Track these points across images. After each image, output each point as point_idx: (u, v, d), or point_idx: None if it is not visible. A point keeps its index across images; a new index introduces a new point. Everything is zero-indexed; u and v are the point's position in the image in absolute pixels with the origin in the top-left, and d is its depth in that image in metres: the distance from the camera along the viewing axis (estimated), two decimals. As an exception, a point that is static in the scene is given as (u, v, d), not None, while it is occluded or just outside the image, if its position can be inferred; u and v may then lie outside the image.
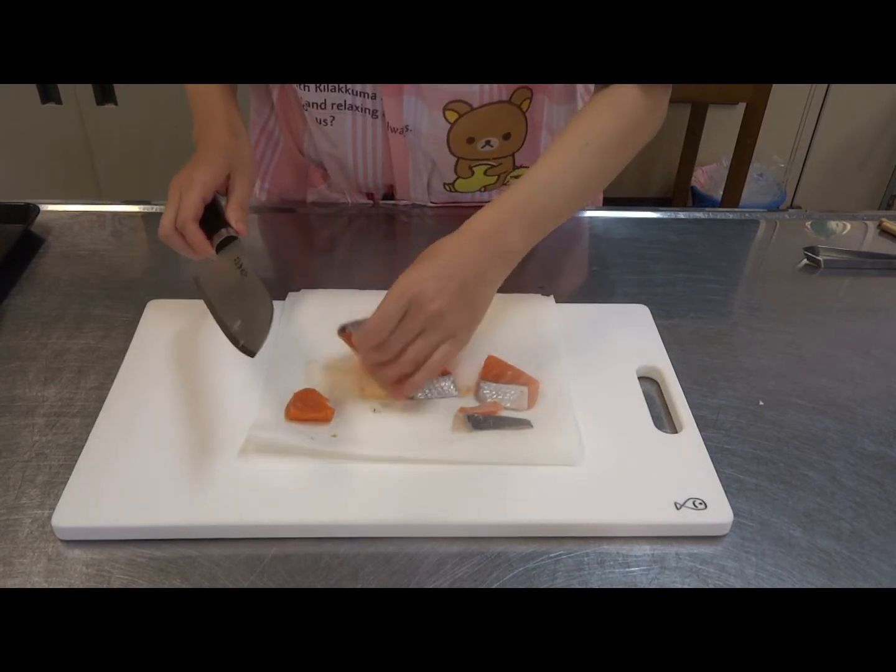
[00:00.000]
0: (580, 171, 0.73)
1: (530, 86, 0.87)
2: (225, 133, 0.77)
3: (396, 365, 0.65)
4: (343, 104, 0.87)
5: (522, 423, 0.65)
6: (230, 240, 0.71)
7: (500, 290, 0.80)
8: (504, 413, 0.66)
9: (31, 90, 1.96)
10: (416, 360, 0.64)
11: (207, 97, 0.80)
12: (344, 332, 0.68)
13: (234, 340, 0.65)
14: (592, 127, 0.74)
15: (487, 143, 0.90)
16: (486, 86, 0.84)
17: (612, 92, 0.76)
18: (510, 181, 0.97)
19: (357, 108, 0.87)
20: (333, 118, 0.88)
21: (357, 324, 0.67)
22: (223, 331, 0.65)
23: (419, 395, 0.68)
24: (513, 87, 0.86)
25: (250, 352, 0.64)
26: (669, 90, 0.79)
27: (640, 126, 0.77)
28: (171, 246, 0.71)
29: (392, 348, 0.64)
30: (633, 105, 0.75)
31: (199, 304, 0.79)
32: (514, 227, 0.69)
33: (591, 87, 0.98)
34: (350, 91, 0.86)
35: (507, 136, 0.90)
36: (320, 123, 0.89)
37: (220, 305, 0.67)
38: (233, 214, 0.72)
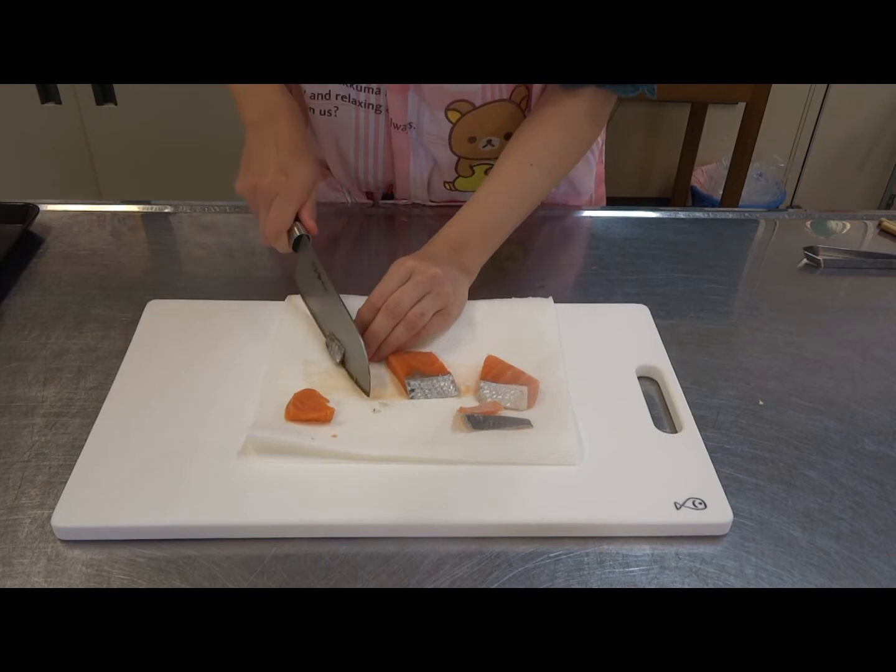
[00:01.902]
0: (527, 189, 0.81)
1: (527, 85, 0.87)
2: (301, 132, 0.80)
3: (403, 323, 0.69)
4: (347, 97, 0.87)
5: (522, 423, 0.65)
6: (301, 238, 0.76)
7: (501, 291, 0.81)
8: (504, 413, 0.66)
9: (30, 90, 1.96)
10: (423, 314, 0.70)
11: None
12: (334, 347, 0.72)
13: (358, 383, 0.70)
14: (538, 144, 0.81)
15: (489, 142, 0.90)
16: (488, 85, 0.84)
17: (556, 103, 0.81)
18: None
19: (360, 103, 0.87)
20: (337, 109, 0.88)
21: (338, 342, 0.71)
22: (332, 354, 0.72)
23: (419, 395, 0.68)
24: (512, 85, 0.86)
25: (366, 392, 0.68)
26: (614, 99, 0.84)
27: (582, 140, 0.84)
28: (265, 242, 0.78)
29: (402, 303, 0.69)
30: (580, 119, 0.81)
31: (200, 304, 0.79)
32: (471, 246, 0.77)
33: None
34: (354, 86, 0.86)
35: (508, 136, 0.90)
36: (323, 115, 0.89)
37: (324, 323, 0.75)
38: (307, 213, 0.77)
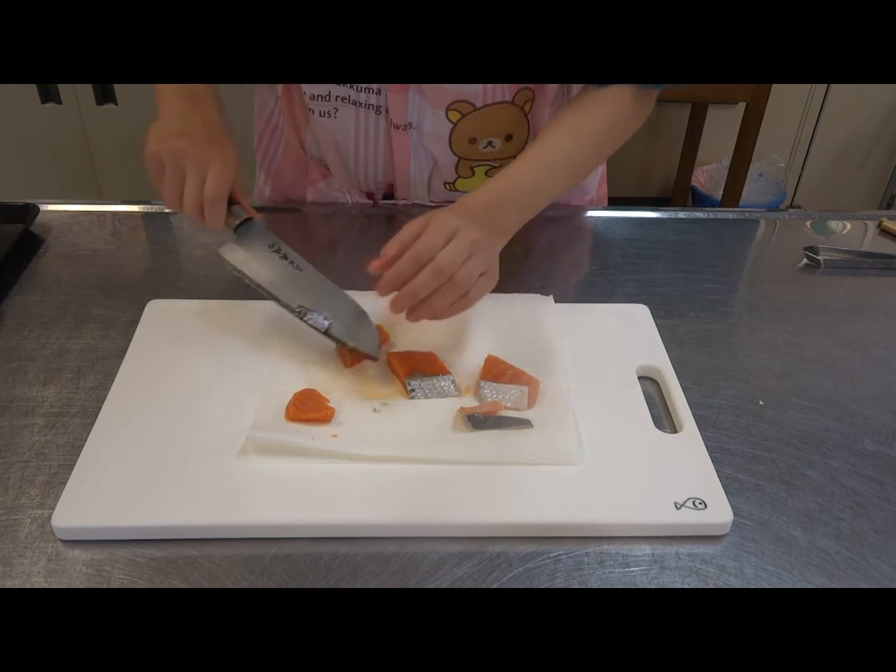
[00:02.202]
0: (569, 158, 0.77)
1: (532, 88, 0.87)
2: (225, 121, 0.77)
3: (449, 284, 0.65)
4: (347, 98, 0.87)
5: (523, 423, 0.65)
6: (249, 221, 0.73)
7: (500, 290, 0.81)
8: (504, 413, 0.66)
9: (31, 90, 1.96)
10: (472, 274, 0.65)
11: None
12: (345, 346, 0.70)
13: (354, 349, 0.69)
14: (584, 117, 0.78)
15: (489, 143, 0.90)
16: (490, 86, 0.84)
17: (601, 88, 0.78)
18: None
19: (360, 104, 0.87)
20: (337, 110, 0.88)
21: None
22: (331, 337, 0.69)
23: (419, 395, 0.68)
24: (515, 88, 0.86)
25: (374, 358, 0.69)
26: (655, 93, 0.82)
27: (627, 120, 0.80)
28: (192, 220, 0.72)
29: (451, 262, 0.64)
30: (623, 99, 0.78)
31: (200, 304, 0.79)
32: (510, 205, 0.72)
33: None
34: (354, 87, 0.86)
35: (509, 138, 0.90)
36: (323, 116, 0.89)
37: (341, 332, 0.70)
38: (243, 200, 0.74)
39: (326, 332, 0.69)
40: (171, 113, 0.75)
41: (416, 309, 0.66)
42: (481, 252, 0.66)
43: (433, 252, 0.64)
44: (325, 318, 0.68)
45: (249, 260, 0.73)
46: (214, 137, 0.73)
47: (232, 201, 0.73)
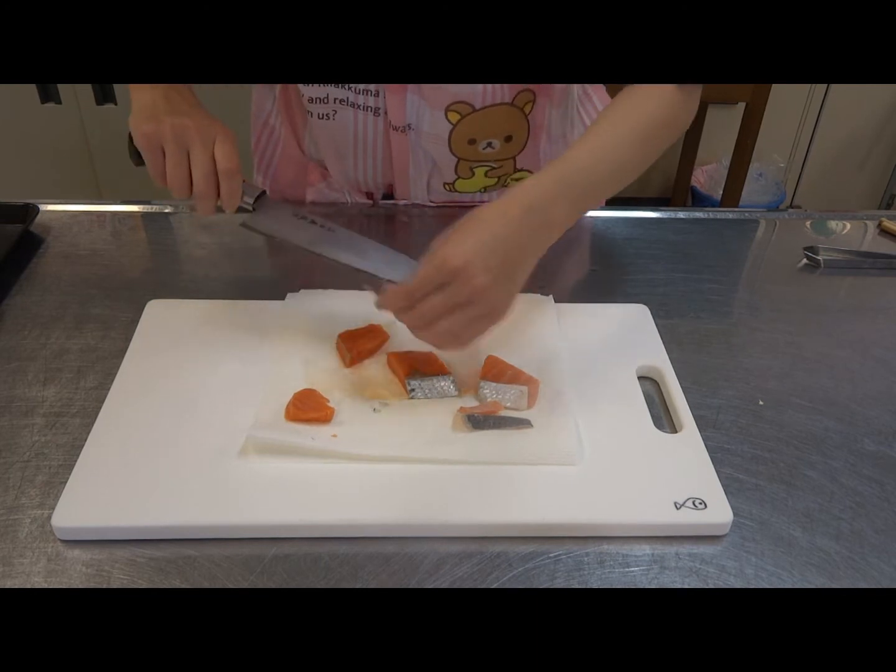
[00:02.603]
0: (619, 155, 0.72)
1: (533, 89, 0.87)
2: (193, 94, 0.76)
3: (429, 332, 0.63)
4: (346, 100, 0.87)
5: (523, 423, 0.65)
6: (262, 195, 0.73)
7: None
8: (504, 413, 0.66)
9: (30, 90, 1.95)
10: (451, 331, 0.63)
11: None
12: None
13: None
14: (634, 113, 0.74)
15: (489, 144, 0.90)
16: (489, 88, 0.84)
17: (644, 86, 0.75)
18: (510, 184, 0.97)
19: (359, 106, 0.87)
20: (335, 112, 0.88)
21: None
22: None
23: (419, 395, 0.68)
24: (515, 89, 0.86)
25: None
26: (699, 90, 0.78)
27: (676, 118, 0.76)
28: (204, 201, 0.70)
29: (426, 316, 0.62)
30: (671, 97, 0.75)
31: (199, 304, 0.79)
32: (559, 201, 0.67)
33: (590, 91, 0.98)
34: (353, 89, 0.86)
35: (508, 139, 0.90)
36: (321, 118, 0.89)
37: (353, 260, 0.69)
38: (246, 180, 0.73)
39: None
40: (151, 97, 0.73)
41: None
42: (481, 299, 0.61)
43: (411, 301, 0.63)
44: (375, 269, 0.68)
45: (280, 226, 0.72)
46: (204, 113, 0.72)
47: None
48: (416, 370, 0.69)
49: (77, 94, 1.96)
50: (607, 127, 0.73)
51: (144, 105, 0.73)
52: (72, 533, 0.57)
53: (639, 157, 0.74)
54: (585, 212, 0.72)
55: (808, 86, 2.29)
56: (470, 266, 0.60)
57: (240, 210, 0.72)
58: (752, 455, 0.66)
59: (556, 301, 0.81)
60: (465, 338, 0.64)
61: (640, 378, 0.72)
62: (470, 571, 0.56)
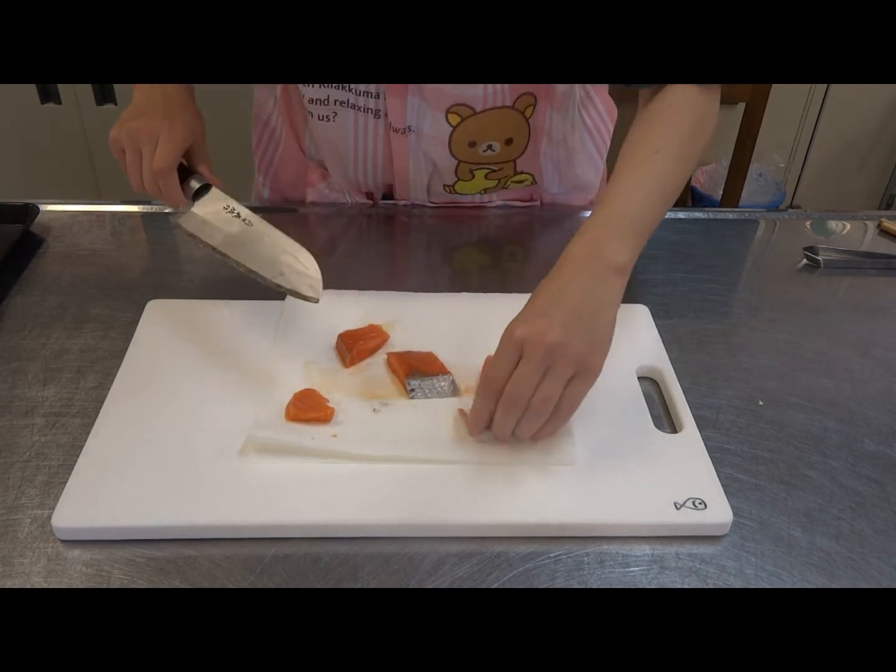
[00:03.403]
0: (657, 177, 0.70)
1: (534, 92, 0.87)
2: (180, 89, 0.80)
3: (529, 412, 0.59)
4: (346, 102, 0.87)
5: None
6: (206, 188, 0.75)
7: (501, 290, 0.81)
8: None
9: (30, 90, 1.95)
10: (548, 398, 0.59)
11: None
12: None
13: (296, 294, 0.69)
14: (659, 133, 0.73)
15: (489, 147, 0.90)
16: (490, 90, 0.84)
17: (669, 94, 0.74)
18: (510, 185, 0.97)
19: (359, 107, 0.87)
20: (336, 114, 0.88)
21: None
22: (279, 289, 0.70)
23: (419, 395, 0.68)
24: (516, 93, 0.86)
25: (315, 300, 0.69)
26: (718, 92, 0.78)
27: (702, 124, 0.76)
28: (151, 194, 0.76)
29: (521, 393, 0.58)
30: (693, 104, 0.74)
31: (200, 304, 0.79)
32: (612, 241, 0.65)
33: (591, 93, 0.98)
34: (353, 91, 0.86)
35: (509, 142, 0.90)
36: (322, 120, 0.89)
37: (258, 266, 0.71)
38: (205, 168, 0.77)
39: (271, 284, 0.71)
40: (138, 96, 0.79)
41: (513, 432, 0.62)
42: (560, 358, 0.58)
43: (500, 384, 0.59)
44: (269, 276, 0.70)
45: (204, 224, 0.75)
46: (170, 111, 0.76)
47: (192, 171, 0.76)
48: (416, 370, 0.69)
49: (77, 94, 1.96)
50: (639, 153, 0.71)
51: (131, 106, 0.78)
52: (72, 533, 0.57)
53: (679, 174, 0.73)
54: (644, 243, 0.68)
55: (808, 86, 2.29)
56: (534, 328, 0.59)
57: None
58: (752, 455, 0.66)
59: (556, 301, 0.80)
60: (565, 408, 0.60)
61: (640, 378, 0.72)
62: (470, 571, 0.56)
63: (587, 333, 0.60)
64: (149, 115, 0.76)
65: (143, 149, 0.74)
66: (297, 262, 0.71)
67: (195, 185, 0.76)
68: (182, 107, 0.79)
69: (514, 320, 0.61)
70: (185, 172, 0.77)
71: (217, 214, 0.75)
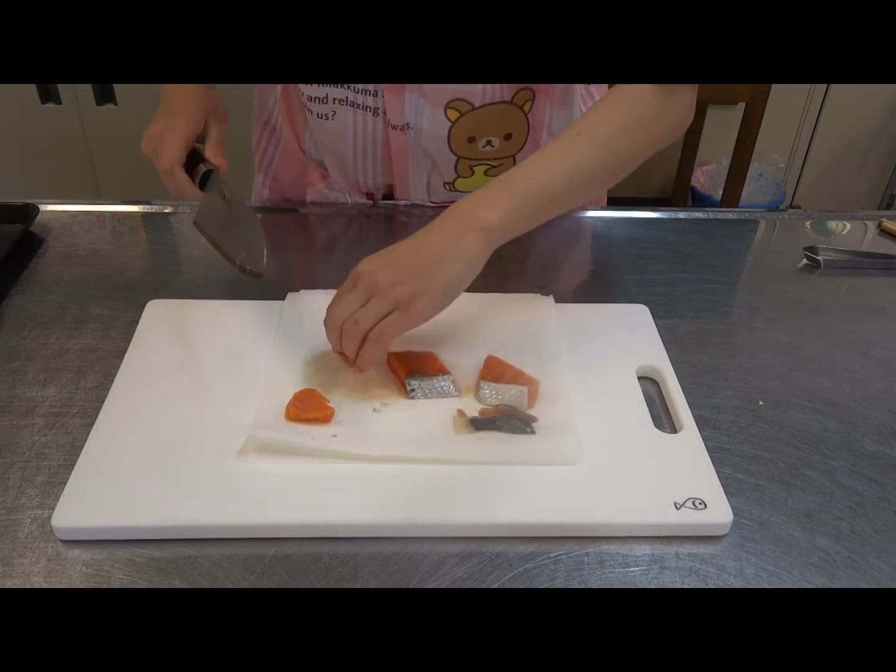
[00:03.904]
0: (572, 158, 0.71)
1: (532, 87, 0.87)
2: (194, 89, 0.82)
3: (346, 335, 0.66)
4: (345, 100, 0.87)
5: (525, 430, 0.65)
6: (209, 174, 0.77)
7: (501, 290, 0.81)
8: (506, 418, 0.66)
9: (30, 90, 1.96)
10: (357, 321, 0.65)
11: None
12: None
13: (242, 270, 0.71)
14: (592, 119, 0.74)
15: (488, 142, 0.90)
16: (488, 85, 0.84)
17: (622, 87, 0.75)
18: None
19: (358, 105, 0.87)
20: (335, 112, 0.88)
21: None
22: (230, 263, 0.72)
23: (419, 395, 0.68)
24: (515, 87, 0.86)
25: (258, 274, 0.70)
26: (694, 90, 0.77)
27: (649, 120, 0.75)
28: (170, 189, 0.79)
29: (337, 314, 0.66)
30: (642, 99, 0.74)
31: (200, 304, 0.79)
32: (492, 203, 0.68)
33: (592, 90, 0.98)
34: (352, 89, 0.86)
35: (508, 137, 0.90)
36: (321, 118, 0.89)
37: (221, 240, 0.74)
38: (210, 152, 0.78)
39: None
40: (162, 99, 0.83)
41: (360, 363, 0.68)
42: (383, 292, 0.65)
43: (339, 319, 0.67)
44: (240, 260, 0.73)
45: (201, 215, 0.77)
46: (177, 108, 0.79)
47: (202, 159, 0.78)
48: (415, 370, 0.69)
49: (77, 94, 1.96)
50: (561, 136, 0.73)
51: (159, 111, 0.82)
52: (72, 533, 0.57)
53: (603, 161, 0.73)
54: (536, 217, 0.71)
55: (808, 86, 2.29)
56: (372, 268, 0.66)
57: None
58: (752, 455, 0.66)
59: (556, 301, 0.81)
60: (372, 336, 0.66)
61: (640, 378, 0.72)
62: (470, 571, 0.56)
63: (419, 281, 0.65)
64: (162, 117, 0.79)
65: (157, 152, 0.78)
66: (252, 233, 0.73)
67: (202, 169, 0.77)
68: (190, 99, 0.81)
69: (367, 259, 0.68)
70: (199, 160, 0.79)
71: (213, 200, 0.77)
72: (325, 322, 0.68)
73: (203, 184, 0.77)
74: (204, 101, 0.82)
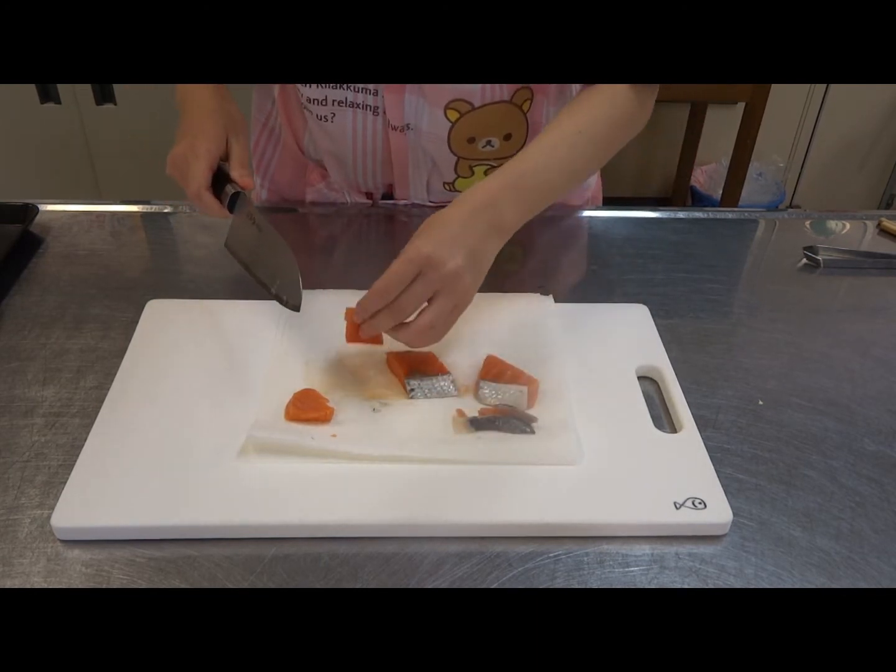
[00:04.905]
0: (571, 156, 0.75)
1: (531, 87, 0.87)
2: (213, 96, 0.81)
3: (410, 328, 0.65)
4: (344, 101, 0.87)
5: (525, 431, 0.65)
6: (237, 196, 0.75)
7: (501, 290, 0.81)
8: (506, 418, 0.66)
9: (30, 90, 1.96)
10: (433, 323, 0.65)
11: None
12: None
13: (279, 299, 0.70)
14: (587, 116, 0.77)
15: (488, 143, 0.90)
16: (488, 85, 0.84)
17: (604, 86, 0.78)
18: None
19: (358, 105, 0.87)
20: (334, 115, 0.88)
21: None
22: (264, 290, 0.71)
23: (419, 394, 0.68)
24: (513, 87, 0.86)
25: (295, 307, 0.69)
26: (656, 90, 0.81)
27: (629, 120, 0.79)
28: (200, 212, 0.77)
29: (405, 309, 0.64)
30: (625, 100, 0.77)
31: (199, 304, 0.79)
32: (508, 202, 0.70)
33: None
34: (351, 88, 0.86)
35: (507, 137, 0.90)
36: (320, 120, 0.89)
37: (254, 265, 0.73)
38: (236, 173, 0.76)
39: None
40: (181, 117, 0.81)
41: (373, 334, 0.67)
42: (454, 284, 0.65)
43: (391, 294, 0.64)
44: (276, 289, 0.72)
45: (232, 237, 0.77)
46: (196, 128, 0.78)
47: (228, 179, 0.76)
48: (415, 370, 0.69)
49: (77, 94, 1.96)
50: (559, 129, 0.76)
51: (177, 131, 0.81)
52: (71, 533, 0.57)
53: (590, 157, 0.78)
54: (536, 212, 0.74)
55: (807, 86, 2.29)
56: (439, 254, 0.64)
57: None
58: (752, 455, 0.66)
59: (556, 301, 0.81)
60: (441, 329, 0.67)
61: (640, 378, 0.72)
62: (470, 571, 0.56)
63: (476, 273, 0.67)
64: (183, 138, 0.77)
65: (181, 179, 0.77)
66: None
67: (230, 191, 0.75)
68: (208, 117, 0.79)
69: (417, 240, 0.65)
70: (225, 179, 0.77)
71: (242, 224, 0.75)
72: (387, 303, 0.64)
73: (231, 205, 0.75)
74: (223, 116, 0.80)
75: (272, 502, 0.59)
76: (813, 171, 2.48)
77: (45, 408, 0.68)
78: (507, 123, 0.89)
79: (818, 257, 0.91)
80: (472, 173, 0.94)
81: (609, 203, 1.06)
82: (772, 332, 0.81)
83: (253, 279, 0.74)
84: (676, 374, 0.72)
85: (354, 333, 0.68)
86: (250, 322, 0.77)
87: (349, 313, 0.69)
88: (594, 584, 0.56)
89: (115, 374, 0.70)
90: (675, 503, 0.60)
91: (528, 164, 0.73)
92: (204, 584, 0.55)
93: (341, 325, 0.74)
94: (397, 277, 0.64)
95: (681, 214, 1.01)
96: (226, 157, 0.78)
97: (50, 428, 0.66)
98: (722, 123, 2.11)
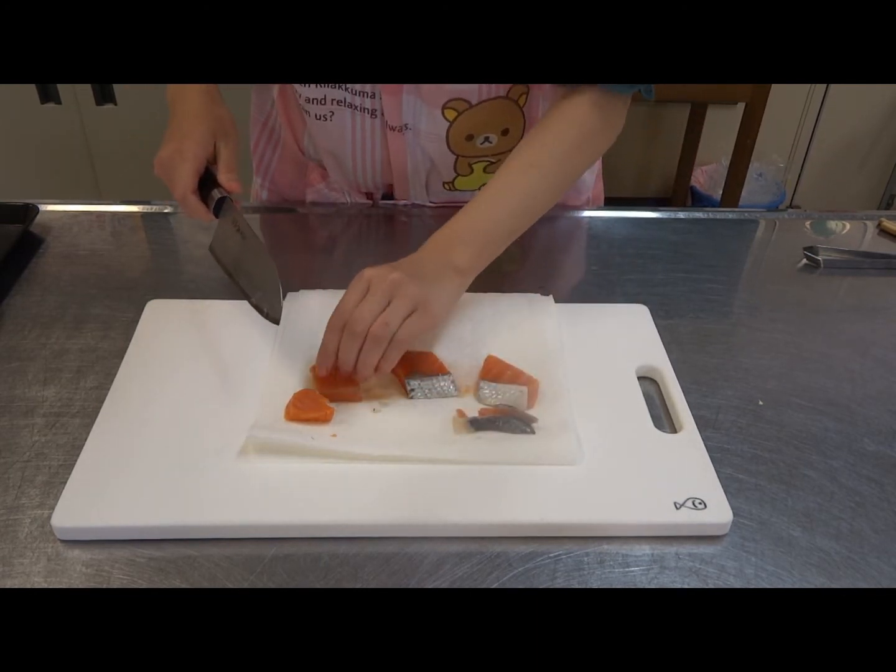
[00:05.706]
0: (525, 190, 0.77)
1: None
2: (202, 98, 0.80)
3: (369, 339, 0.65)
4: (343, 101, 0.87)
5: (525, 430, 0.65)
6: (223, 200, 0.75)
7: (501, 290, 0.81)
8: (506, 418, 0.66)
9: (30, 90, 1.96)
10: (387, 323, 0.65)
11: None
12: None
13: (259, 310, 0.70)
14: (541, 146, 0.78)
15: (486, 139, 0.90)
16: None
17: (564, 107, 0.79)
18: None
19: (356, 107, 0.87)
20: (333, 113, 0.88)
21: None
22: (245, 298, 0.71)
23: (419, 394, 0.68)
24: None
25: (275, 320, 0.68)
26: (627, 104, 0.82)
27: (589, 140, 0.80)
28: (186, 215, 0.77)
29: (363, 319, 0.65)
30: (584, 120, 0.78)
31: (200, 304, 0.79)
32: (463, 246, 0.73)
33: None
34: (350, 90, 0.86)
35: (505, 132, 0.90)
36: (319, 119, 0.89)
37: (236, 272, 0.73)
38: (223, 177, 0.76)
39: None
40: (170, 119, 0.80)
41: (356, 373, 0.66)
42: (401, 292, 0.66)
43: (346, 315, 0.66)
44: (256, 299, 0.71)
45: (217, 242, 0.76)
46: (184, 130, 0.77)
47: (215, 183, 0.75)
48: (415, 370, 0.69)
49: (77, 94, 1.96)
50: (513, 167, 0.77)
51: (165, 133, 0.80)
52: (71, 533, 0.57)
53: (555, 187, 0.80)
54: (497, 252, 0.76)
55: (808, 86, 2.29)
56: (382, 271, 0.67)
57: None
58: (752, 455, 0.66)
59: (556, 301, 0.81)
60: (402, 336, 0.66)
61: (640, 378, 0.72)
62: (470, 571, 0.56)
63: (427, 286, 0.68)
64: (170, 140, 0.77)
65: (168, 181, 0.76)
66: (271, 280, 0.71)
67: (216, 196, 0.74)
68: (196, 119, 0.78)
69: (362, 271, 0.68)
70: (213, 182, 0.76)
71: (226, 231, 0.75)
72: (343, 329, 0.65)
73: (217, 209, 0.75)
74: (211, 119, 0.79)
75: (272, 502, 0.59)
76: (813, 171, 2.48)
77: (45, 408, 0.68)
78: (505, 119, 0.89)
79: (818, 257, 0.91)
80: (472, 171, 0.94)
81: (609, 203, 1.06)
82: (772, 332, 0.81)
83: (234, 285, 0.73)
84: (676, 375, 0.72)
85: (325, 383, 0.68)
86: (250, 322, 0.76)
87: (314, 370, 0.69)
88: (594, 584, 0.56)
89: (116, 374, 0.70)
90: (675, 503, 0.60)
91: (479, 206, 0.75)
92: (204, 584, 0.55)
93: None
94: (347, 303, 0.66)
95: (681, 215, 1.01)
96: (214, 160, 0.78)
97: (50, 428, 0.66)
98: (722, 123, 2.11)
